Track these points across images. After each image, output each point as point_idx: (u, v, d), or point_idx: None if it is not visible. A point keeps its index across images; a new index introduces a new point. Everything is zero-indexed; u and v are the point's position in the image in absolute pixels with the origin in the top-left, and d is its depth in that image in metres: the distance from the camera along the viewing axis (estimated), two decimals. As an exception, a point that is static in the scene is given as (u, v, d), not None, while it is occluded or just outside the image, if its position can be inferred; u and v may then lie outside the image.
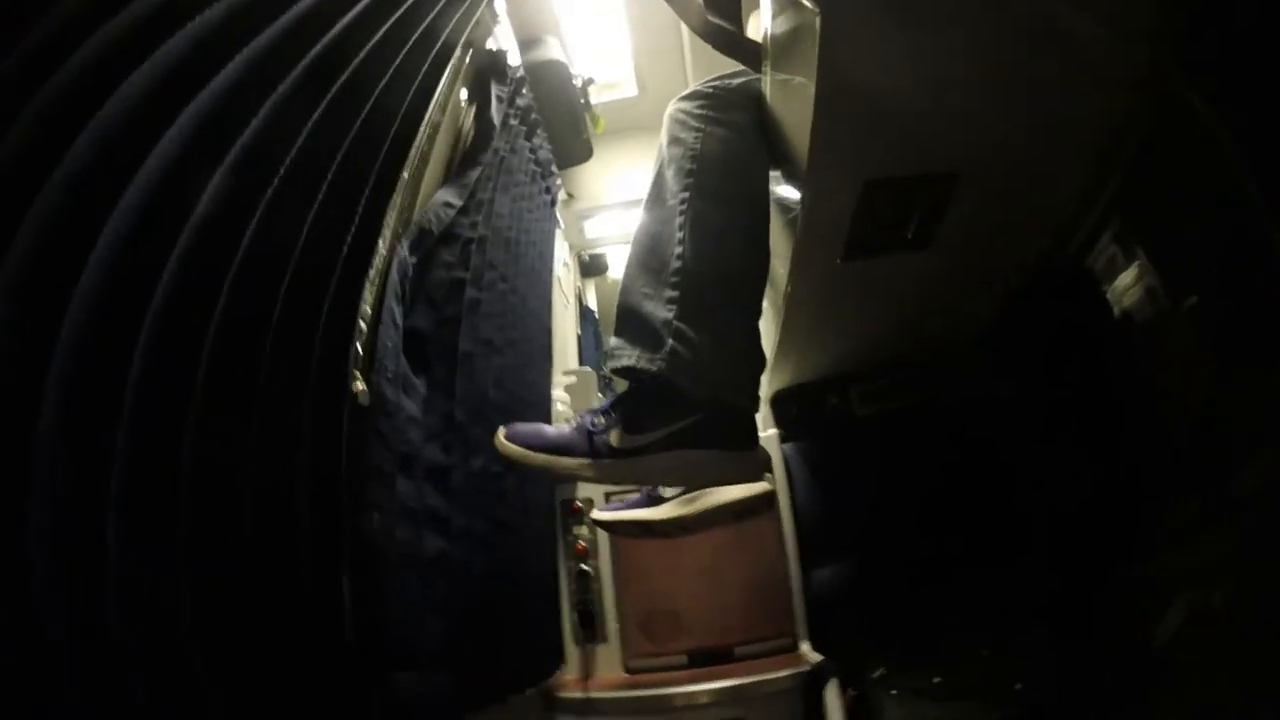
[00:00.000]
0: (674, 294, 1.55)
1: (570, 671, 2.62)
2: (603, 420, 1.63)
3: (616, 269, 4.04)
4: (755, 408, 1.65)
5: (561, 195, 3.12)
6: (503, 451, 1.67)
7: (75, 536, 0.77)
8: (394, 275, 1.50)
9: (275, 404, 1.11)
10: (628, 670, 2.70)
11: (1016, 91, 1.57)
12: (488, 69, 2.23)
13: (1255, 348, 1.65)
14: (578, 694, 2.56)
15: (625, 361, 1.55)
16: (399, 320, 1.50)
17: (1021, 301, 2.44)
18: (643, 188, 3.48)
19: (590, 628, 2.70)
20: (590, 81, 3.17)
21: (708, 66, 2.15)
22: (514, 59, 2.50)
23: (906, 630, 2.74)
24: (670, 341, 1.51)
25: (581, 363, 3.37)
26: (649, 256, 1.63)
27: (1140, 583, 2.08)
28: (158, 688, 0.85)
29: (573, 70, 3.01)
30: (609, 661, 2.70)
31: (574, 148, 3.05)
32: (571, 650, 2.66)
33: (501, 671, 1.90)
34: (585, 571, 2.71)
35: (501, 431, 1.69)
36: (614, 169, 3.58)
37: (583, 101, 3.08)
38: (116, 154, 0.84)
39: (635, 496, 2.00)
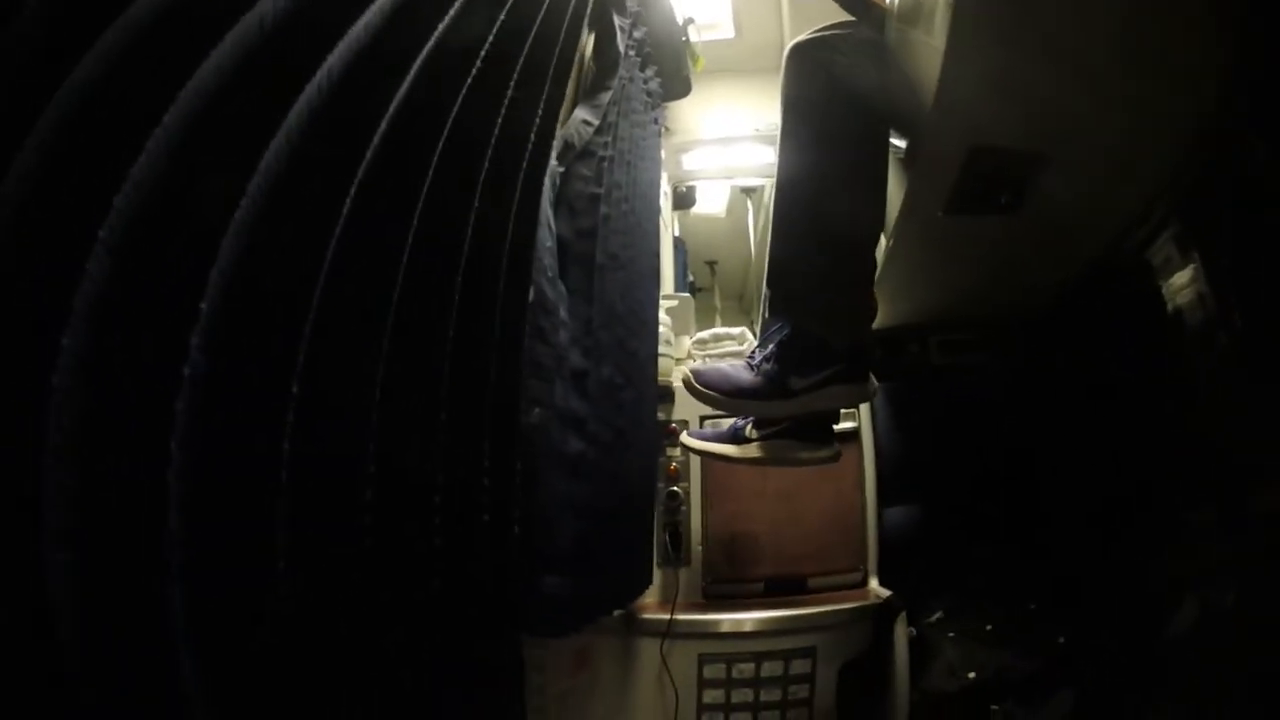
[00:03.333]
0: (829, 252, 1.83)
1: (651, 594, 2.67)
2: (777, 367, 1.92)
3: (702, 203, 4.11)
4: (869, 343, 1.96)
5: (663, 128, 3.16)
6: (696, 394, 2.02)
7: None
8: (546, 181, 1.55)
9: (473, 291, 1.17)
10: (705, 595, 2.77)
11: (1110, 94, 1.67)
12: (609, 1, 2.27)
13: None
14: (661, 616, 2.61)
15: (784, 316, 1.90)
16: (553, 224, 1.56)
17: (1088, 280, 2.49)
18: (733, 126, 3.54)
19: (676, 549, 2.76)
20: (691, 21, 3.20)
21: (805, 15, 2.19)
22: (630, -7, 2.53)
23: (964, 578, 2.79)
24: (826, 303, 1.84)
25: (675, 290, 3.44)
26: (797, 211, 1.88)
27: (1161, 573, 2.14)
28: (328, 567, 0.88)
29: (675, 8, 3.04)
30: (689, 585, 2.76)
31: (674, 83, 3.07)
32: (655, 572, 2.69)
33: (621, 580, 1.95)
34: (675, 493, 2.78)
35: (688, 374, 2.03)
36: (709, 106, 3.61)
37: (684, 40, 3.11)
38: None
39: (724, 429, 2.24)
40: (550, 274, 1.48)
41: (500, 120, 1.26)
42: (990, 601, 2.68)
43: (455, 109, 1.14)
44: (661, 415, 2.74)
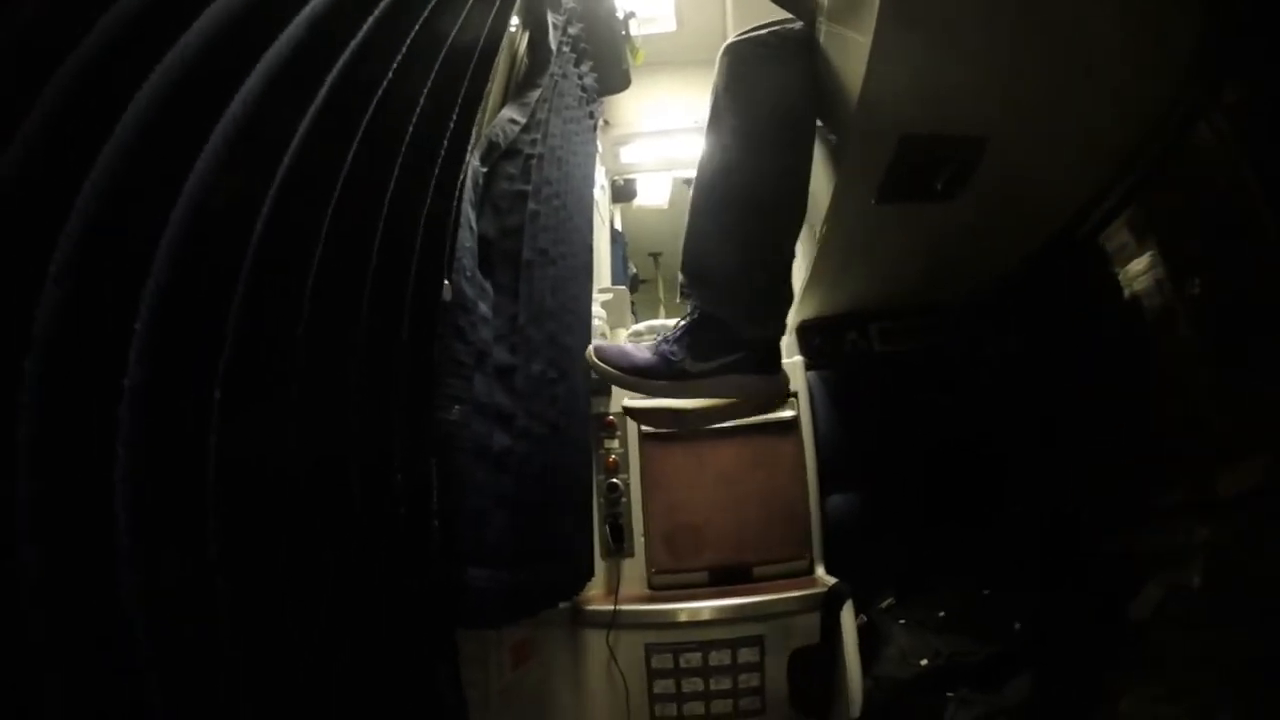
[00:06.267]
0: (740, 238, 1.80)
1: (596, 586, 2.69)
2: (677, 348, 1.90)
3: (645, 195, 4.12)
4: (782, 337, 1.94)
5: (600, 122, 3.17)
6: (595, 368, 1.96)
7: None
8: (468, 183, 1.57)
9: (382, 297, 1.19)
10: (651, 586, 2.78)
11: (1055, 77, 1.67)
12: (544, -1, 2.29)
13: (1255, 362, 1.73)
14: (605, 607, 2.62)
15: (695, 301, 1.88)
16: (474, 225, 1.58)
17: (1036, 265, 2.51)
18: (673, 119, 3.55)
19: (619, 541, 2.78)
20: (632, 15, 3.22)
21: (748, 6, 2.20)
22: (565, -12, 2.55)
23: (913, 564, 2.81)
24: (740, 292, 1.81)
25: (613, 282, 3.44)
26: (715, 198, 1.86)
27: (1122, 557, 2.16)
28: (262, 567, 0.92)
29: (616, 3, 3.07)
30: (633, 576, 2.78)
31: (613, 77, 3.08)
32: (599, 564, 2.72)
33: (557, 574, 1.97)
34: (615, 485, 2.80)
35: (591, 349, 1.97)
36: (649, 99, 3.62)
37: (624, 34, 3.12)
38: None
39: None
40: (469, 273, 1.50)
41: (411, 129, 1.28)
42: (942, 588, 2.70)
43: (366, 120, 1.15)
44: (600, 409, 2.77)
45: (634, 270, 4.47)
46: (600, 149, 3.27)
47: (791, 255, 1.93)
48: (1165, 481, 2.05)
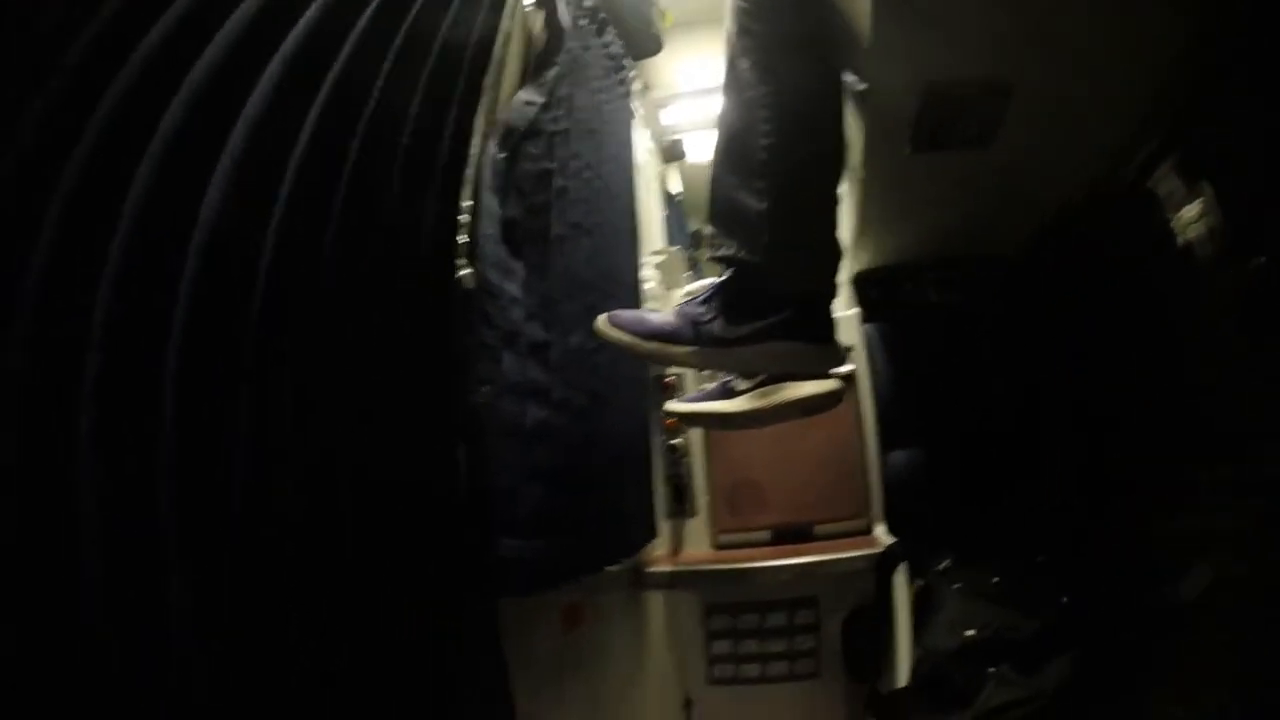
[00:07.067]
0: (763, 184, 1.58)
1: (660, 546, 2.68)
2: (705, 309, 1.71)
3: (694, 153, 4.10)
4: (834, 299, 1.71)
5: (637, 86, 3.16)
6: (606, 337, 1.79)
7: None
8: (486, 172, 1.60)
9: (390, 296, 1.23)
10: (716, 546, 2.80)
11: (1079, 17, 1.63)
12: (551, -23, 2.28)
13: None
14: (665, 568, 2.63)
15: (725, 251, 1.66)
16: (496, 211, 1.60)
17: (1088, 209, 2.46)
18: (713, 76, 3.53)
19: (681, 501, 2.79)
20: (655, -22, 3.19)
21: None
22: (577, -39, 2.53)
23: (973, 524, 2.78)
24: (768, 235, 1.59)
25: (670, 243, 3.44)
26: (735, 146, 1.66)
27: (1169, 538, 2.12)
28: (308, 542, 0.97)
29: (639, -33, 3.03)
30: (698, 536, 2.81)
31: (644, 42, 3.05)
32: (662, 525, 2.71)
33: (597, 541, 1.99)
34: (675, 446, 2.80)
35: (603, 318, 1.80)
36: (684, 59, 3.59)
37: (649, -1, 3.10)
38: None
39: (711, 388, 2.04)
40: (493, 259, 1.53)
41: (409, 133, 1.31)
42: (999, 551, 2.67)
43: (361, 128, 1.18)
44: (659, 371, 2.78)
45: (697, 227, 4.46)
46: (641, 112, 3.28)
47: (834, 197, 1.71)
48: (1212, 455, 2.01)
